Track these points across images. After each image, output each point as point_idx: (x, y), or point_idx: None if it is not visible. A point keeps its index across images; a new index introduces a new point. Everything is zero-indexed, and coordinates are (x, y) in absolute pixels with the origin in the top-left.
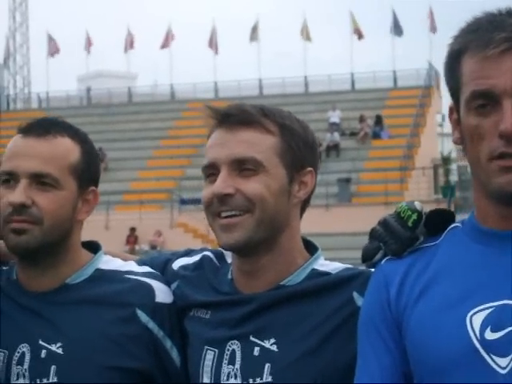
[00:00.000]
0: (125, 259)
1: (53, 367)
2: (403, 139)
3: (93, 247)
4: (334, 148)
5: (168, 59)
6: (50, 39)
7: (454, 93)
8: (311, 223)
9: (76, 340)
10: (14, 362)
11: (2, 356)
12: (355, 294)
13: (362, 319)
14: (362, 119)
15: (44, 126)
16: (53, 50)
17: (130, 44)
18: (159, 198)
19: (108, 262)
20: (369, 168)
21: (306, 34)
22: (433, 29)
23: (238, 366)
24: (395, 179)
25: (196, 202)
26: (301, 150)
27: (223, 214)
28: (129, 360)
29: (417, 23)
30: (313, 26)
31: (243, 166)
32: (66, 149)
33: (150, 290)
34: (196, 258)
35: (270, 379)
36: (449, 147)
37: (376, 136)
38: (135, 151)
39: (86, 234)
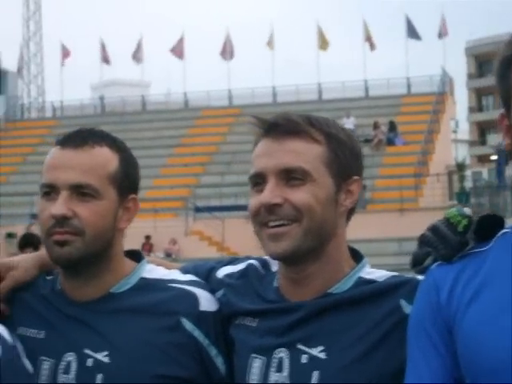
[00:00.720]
0: (168, 267)
1: (99, 376)
2: (417, 146)
3: (135, 256)
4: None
5: (181, 67)
6: (64, 48)
7: (505, 99)
8: None
9: (122, 348)
10: (60, 371)
11: (48, 365)
12: (403, 302)
13: (412, 324)
14: (375, 126)
15: (81, 136)
16: (66, 58)
17: (142, 53)
18: (174, 205)
19: (152, 271)
20: (383, 175)
21: (321, 42)
22: (445, 35)
23: (285, 373)
24: (410, 186)
25: (211, 209)
26: (347, 159)
27: (271, 224)
28: (175, 368)
29: (429, 29)
30: (326, 33)
31: (291, 176)
32: (105, 158)
33: (195, 299)
34: (241, 266)
35: None
36: (463, 153)
37: (390, 142)
38: (149, 159)
39: None
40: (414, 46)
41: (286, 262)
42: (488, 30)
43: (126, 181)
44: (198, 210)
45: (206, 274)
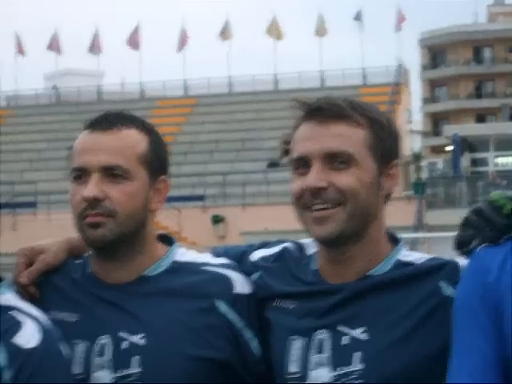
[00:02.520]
0: (198, 251)
1: (135, 358)
2: None
3: (166, 240)
4: None
5: (137, 57)
6: (18, 38)
7: None
8: (283, 221)
9: (158, 330)
10: (94, 354)
11: (82, 348)
12: (443, 284)
13: (458, 305)
14: None
15: (109, 119)
16: (20, 49)
17: (97, 43)
18: None
19: (184, 254)
20: None
21: (276, 31)
22: (400, 26)
23: (326, 354)
24: None
25: (168, 199)
26: (388, 143)
27: (315, 207)
28: (210, 350)
29: (385, 21)
30: (281, 23)
31: (335, 160)
32: (134, 140)
33: (229, 281)
34: (275, 249)
35: (360, 367)
36: (417, 144)
37: None
38: None
39: (59, 232)
40: (369, 38)
41: (330, 244)
42: (442, 22)
43: (156, 162)
44: None
45: (238, 258)
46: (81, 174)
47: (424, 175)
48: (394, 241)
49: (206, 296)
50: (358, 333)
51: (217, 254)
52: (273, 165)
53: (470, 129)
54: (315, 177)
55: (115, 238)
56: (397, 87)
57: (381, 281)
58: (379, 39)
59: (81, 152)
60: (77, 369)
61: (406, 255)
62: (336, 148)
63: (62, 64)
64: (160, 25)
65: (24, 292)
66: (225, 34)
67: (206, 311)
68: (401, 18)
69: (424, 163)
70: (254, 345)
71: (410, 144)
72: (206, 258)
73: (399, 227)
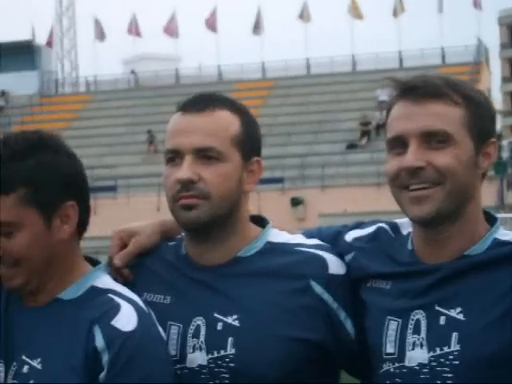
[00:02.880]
0: (291, 233)
1: (230, 339)
2: None
3: (260, 221)
4: (384, 126)
5: (214, 41)
6: (97, 23)
7: None
8: (363, 202)
9: (252, 312)
10: (189, 335)
11: (176, 329)
12: None
13: None
14: None
15: (202, 101)
16: (99, 33)
17: (174, 28)
18: None
19: (277, 235)
20: None
21: (355, 12)
22: (479, 4)
23: (423, 335)
24: None
25: None
26: (485, 121)
27: (413, 187)
28: (305, 331)
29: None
30: (359, 3)
31: (433, 139)
32: (227, 121)
33: (323, 262)
34: (370, 229)
35: (457, 347)
36: (498, 124)
37: None
38: None
39: (138, 216)
40: (447, 17)
41: (427, 224)
42: None
43: (249, 143)
44: None
45: (331, 238)
46: (174, 157)
47: (505, 155)
48: (491, 220)
49: (301, 276)
50: (455, 313)
51: (310, 235)
52: (351, 146)
53: None
54: (413, 156)
55: (209, 219)
56: (476, 66)
57: (479, 260)
58: (458, 18)
59: (174, 134)
60: (172, 351)
61: (504, 234)
62: (433, 127)
63: (140, 48)
64: (236, 6)
65: (118, 274)
66: (303, 15)
67: (301, 292)
68: None
69: (504, 143)
70: (349, 325)
71: None
72: (299, 238)
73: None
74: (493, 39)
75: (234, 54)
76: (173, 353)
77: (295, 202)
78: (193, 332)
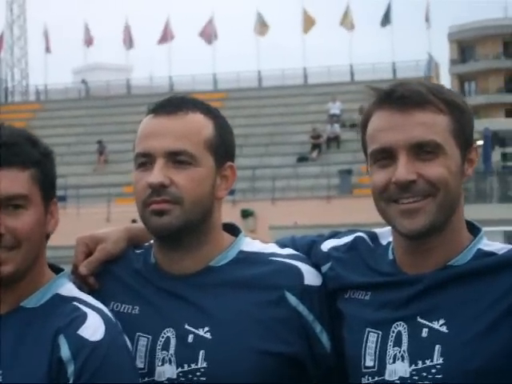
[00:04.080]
0: (263, 242)
1: (201, 352)
2: None
3: (231, 229)
4: (335, 140)
5: (166, 52)
6: (46, 34)
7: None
8: (313, 215)
9: (224, 324)
10: (158, 348)
11: (145, 341)
12: None
13: None
14: (361, 111)
15: (174, 103)
16: (47, 45)
17: (128, 38)
18: None
19: (250, 244)
20: None
21: (306, 24)
22: (428, 20)
23: (404, 347)
24: None
25: None
26: (468, 127)
27: (403, 201)
28: (279, 344)
29: (415, 15)
30: (310, 15)
31: (422, 150)
32: (199, 124)
33: (298, 273)
34: (347, 239)
35: (440, 361)
36: None
37: None
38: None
39: (88, 226)
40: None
41: (418, 237)
42: (471, 16)
43: (223, 147)
44: None
45: (306, 248)
46: (145, 161)
47: None
48: (474, 230)
49: (275, 287)
50: (438, 325)
51: (283, 245)
52: (302, 159)
53: (500, 123)
54: (404, 169)
55: (181, 226)
56: (427, 80)
57: (462, 271)
58: (409, 33)
59: (145, 137)
60: (140, 363)
61: (488, 245)
62: (423, 137)
63: (91, 58)
64: (188, 18)
65: (83, 283)
66: (258, 28)
67: (275, 303)
68: (429, 13)
69: None
70: (325, 339)
71: None
72: (273, 248)
73: None
74: (443, 55)
75: (185, 65)
76: (140, 365)
77: (246, 214)
78: (162, 344)
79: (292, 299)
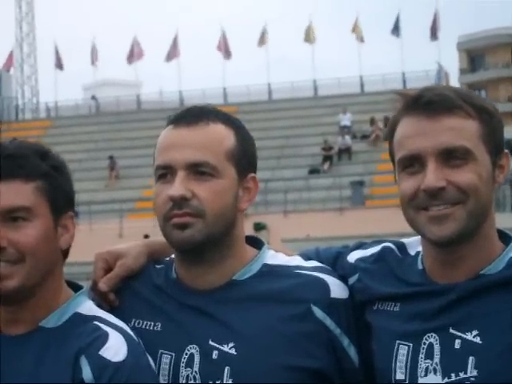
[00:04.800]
0: (288, 254)
1: (227, 369)
2: None
3: (254, 242)
4: (346, 151)
5: (175, 66)
6: (56, 52)
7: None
8: (326, 227)
9: (249, 339)
10: (182, 365)
11: (168, 358)
12: None
13: None
14: (372, 122)
15: (194, 113)
16: (58, 62)
17: (137, 54)
18: None
19: (274, 257)
20: (381, 170)
21: (309, 36)
22: (437, 31)
23: (437, 360)
24: None
25: None
26: (498, 132)
27: (433, 208)
28: (306, 359)
29: (423, 25)
30: (315, 28)
31: (452, 156)
32: (221, 135)
33: (325, 285)
34: (374, 249)
35: (475, 373)
36: None
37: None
38: (146, 158)
39: (101, 242)
40: (407, 43)
41: (445, 244)
42: (480, 25)
43: (245, 158)
44: None
45: (331, 260)
46: (165, 173)
47: None
48: (506, 238)
49: (301, 301)
50: (471, 336)
51: (307, 257)
52: (313, 171)
53: (511, 132)
54: (433, 176)
55: (204, 239)
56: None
57: (495, 280)
58: (418, 44)
59: (165, 149)
60: (163, 381)
61: None
62: (452, 143)
63: (100, 74)
64: (199, 33)
65: (103, 300)
66: (263, 40)
67: (301, 317)
68: (437, 24)
69: None
70: (352, 353)
71: None
72: (297, 260)
73: None
74: (452, 64)
75: (195, 80)
76: (164, 383)
77: (258, 228)
78: (186, 361)
79: (319, 313)
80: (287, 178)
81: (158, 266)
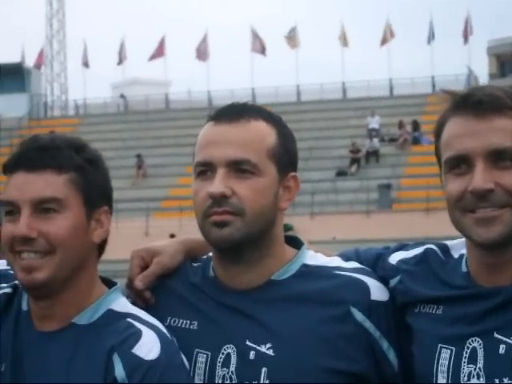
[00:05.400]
0: (327, 255)
1: (263, 369)
2: None
3: (292, 242)
4: (374, 154)
5: (204, 66)
6: (84, 50)
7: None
8: (352, 230)
9: (287, 340)
10: (218, 365)
11: (204, 358)
12: None
13: None
14: (401, 125)
15: (236, 110)
16: (85, 60)
17: (162, 52)
18: None
19: (313, 257)
20: (409, 174)
21: (343, 39)
22: (470, 34)
23: (480, 365)
24: (436, 185)
25: None
26: None
27: (480, 211)
28: (345, 362)
29: (453, 29)
30: (348, 32)
31: (501, 157)
32: (262, 132)
33: (365, 287)
34: (416, 251)
35: None
36: None
37: (416, 142)
38: (174, 157)
39: (126, 241)
40: (438, 46)
41: (492, 247)
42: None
43: (286, 156)
44: None
45: (372, 262)
46: (205, 169)
47: None
48: None
49: (341, 302)
50: None
51: (347, 258)
52: (341, 173)
53: None
54: (481, 178)
55: (243, 238)
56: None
57: None
58: (448, 47)
59: (206, 145)
60: (198, 380)
61: None
62: (502, 144)
63: (129, 73)
64: (228, 32)
65: (138, 297)
66: (292, 41)
67: (341, 319)
68: (469, 28)
69: None
70: (392, 356)
71: None
72: (337, 261)
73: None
74: (482, 69)
75: (224, 80)
76: (199, 383)
77: (285, 229)
78: (222, 361)
79: (358, 315)
80: (314, 179)
81: (194, 264)
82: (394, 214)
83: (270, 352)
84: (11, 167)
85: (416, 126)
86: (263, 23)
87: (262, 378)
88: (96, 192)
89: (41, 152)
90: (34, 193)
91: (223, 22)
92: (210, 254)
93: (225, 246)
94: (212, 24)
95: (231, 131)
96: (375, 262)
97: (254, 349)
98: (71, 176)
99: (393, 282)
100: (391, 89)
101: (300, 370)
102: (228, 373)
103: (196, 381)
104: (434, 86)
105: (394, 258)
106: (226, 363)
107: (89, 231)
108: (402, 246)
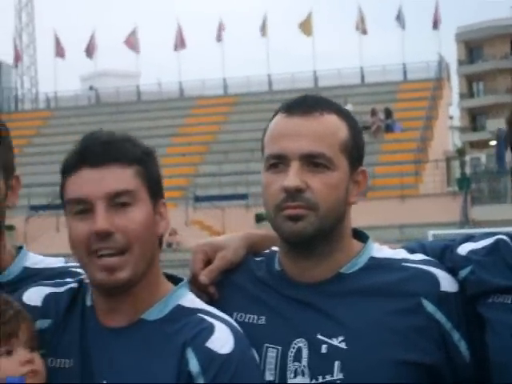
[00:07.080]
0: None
1: (337, 363)
2: (416, 132)
3: (357, 235)
4: None
5: (174, 57)
6: (57, 40)
7: None
8: None
9: (359, 333)
10: (289, 359)
11: (274, 353)
12: None
13: None
14: (373, 113)
15: (308, 103)
16: (60, 51)
17: (134, 42)
18: (173, 195)
19: (380, 250)
20: (383, 162)
21: (305, 28)
22: (439, 22)
23: None
24: (410, 172)
25: (210, 198)
26: None
27: None
28: (417, 354)
29: (422, 17)
30: (314, 20)
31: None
32: (335, 126)
33: (434, 279)
34: (485, 242)
35: None
36: (455, 140)
37: (388, 129)
38: None
39: None
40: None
41: None
42: (478, 16)
43: (356, 150)
44: (197, 199)
45: (439, 253)
46: (278, 162)
47: (468, 170)
48: None
49: (411, 294)
50: None
51: (412, 250)
52: None
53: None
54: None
55: (315, 232)
56: (438, 82)
57: None
58: (418, 35)
59: (279, 137)
60: (269, 376)
61: None
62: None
63: (99, 65)
64: (198, 21)
65: (203, 292)
66: (263, 31)
67: (412, 311)
68: (438, 15)
69: (467, 158)
70: (463, 348)
71: (452, 139)
72: (403, 254)
73: (445, 223)
74: (450, 55)
75: (194, 70)
76: (270, 378)
77: (260, 218)
78: (294, 355)
79: (429, 306)
80: None
81: (257, 259)
82: (368, 201)
83: (343, 345)
84: (74, 165)
85: (388, 113)
86: (232, 11)
87: (335, 371)
88: (157, 184)
89: (106, 147)
90: (108, 187)
91: (194, 11)
92: (273, 248)
93: (297, 239)
94: (183, 13)
95: (305, 124)
96: (442, 254)
97: (326, 342)
98: (137, 168)
99: (463, 272)
100: (363, 77)
101: (373, 363)
102: (300, 367)
103: (267, 376)
104: (405, 73)
105: (464, 249)
106: (298, 357)
107: (156, 224)
108: (469, 238)
